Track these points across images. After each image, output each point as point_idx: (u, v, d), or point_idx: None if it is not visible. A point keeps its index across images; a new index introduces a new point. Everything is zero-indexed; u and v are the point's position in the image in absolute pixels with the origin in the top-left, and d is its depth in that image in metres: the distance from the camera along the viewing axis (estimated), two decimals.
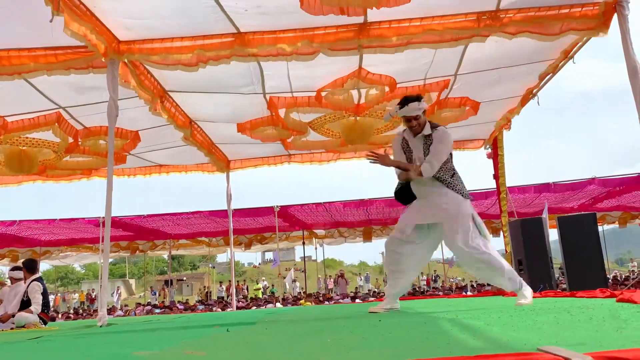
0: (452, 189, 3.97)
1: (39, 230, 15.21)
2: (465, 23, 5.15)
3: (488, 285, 19.38)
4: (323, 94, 6.77)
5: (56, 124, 7.01)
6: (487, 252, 3.92)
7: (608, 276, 10.79)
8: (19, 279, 7.04)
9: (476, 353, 1.35)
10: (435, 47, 5.44)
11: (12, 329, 6.49)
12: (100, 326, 4.92)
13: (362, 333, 2.44)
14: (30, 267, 7.03)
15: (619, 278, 19.60)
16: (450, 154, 4.08)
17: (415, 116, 3.97)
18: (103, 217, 6.04)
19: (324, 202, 13.96)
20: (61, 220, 14.25)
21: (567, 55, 6.06)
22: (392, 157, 4.18)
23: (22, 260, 8.60)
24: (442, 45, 5.33)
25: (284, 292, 24.71)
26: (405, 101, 3.99)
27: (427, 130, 4.01)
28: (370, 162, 4.07)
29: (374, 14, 5.02)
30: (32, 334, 4.71)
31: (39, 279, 6.94)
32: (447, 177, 3.99)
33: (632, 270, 29.23)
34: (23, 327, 6.49)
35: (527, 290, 4.03)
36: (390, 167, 4.11)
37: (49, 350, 2.77)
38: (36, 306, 6.64)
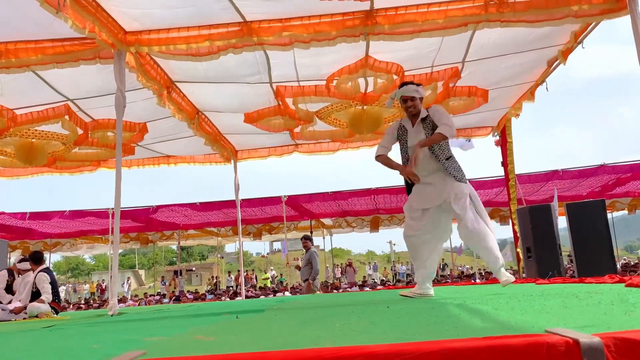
0: (449, 172, 4.13)
1: (49, 222, 15.36)
2: (473, 9, 5.10)
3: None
4: (333, 83, 6.74)
5: (66, 116, 7.05)
6: (484, 228, 4.09)
7: (617, 263, 10.74)
8: (26, 270, 7.14)
9: (484, 335, 1.35)
10: (442, 35, 5.40)
11: (24, 319, 6.59)
12: (112, 315, 4.99)
13: (370, 318, 2.45)
14: (36, 258, 7.11)
15: (628, 265, 19.48)
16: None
17: (411, 97, 4.21)
18: (112, 209, 6.08)
19: (331, 192, 13.98)
20: (71, 212, 14.39)
21: (576, 40, 5.99)
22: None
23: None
24: (449, 33, 5.29)
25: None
26: (404, 84, 4.34)
27: (423, 113, 4.26)
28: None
29: (380, 1, 4.99)
30: (44, 323, 4.78)
31: (46, 270, 7.03)
32: (443, 158, 4.16)
33: None
34: (36, 317, 6.58)
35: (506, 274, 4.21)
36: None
37: (62, 337, 2.82)
38: (47, 295, 6.73)
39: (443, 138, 4.10)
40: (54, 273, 7.53)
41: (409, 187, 4.37)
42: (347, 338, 1.77)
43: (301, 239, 9.74)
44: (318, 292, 9.63)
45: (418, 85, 4.29)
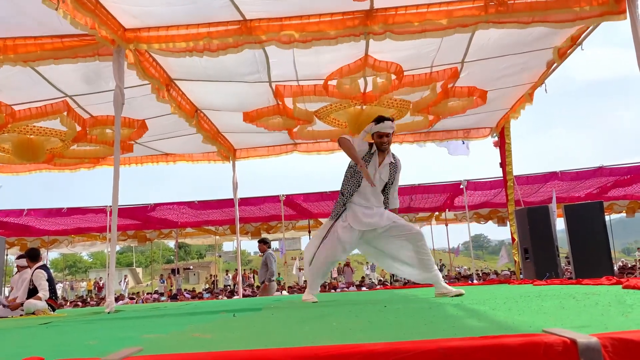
0: (384, 206, 4.67)
1: (47, 220, 15.32)
2: (473, 10, 5.10)
3: (494, 274, 19.30)
4: (332, 83, 6.73)
5: (65, 112, 7.04)
6: None
7: (614, 265, 10.76)
8: (25, 267, 7.13)
9: (482, 334, 1.35)
10: (442, 35, 5.40)
11: (21, 315, 6.58)
12: (108, 312, 4.98)
13: (368, 317, 2.45)
14: (33, 255, 7.11)
15: (625, 267, 19.51)
16: None
17: (387, 134, 4.50)
18: (110, 206, 6.06)
19: (329, 192, 13.96)
20: (69, 209, 14.35)
21: (576, 41, 5.99)
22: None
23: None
24: (449, 33, 5.29)
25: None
26: (381, 119, 4.53)
27: (390, 157, 4.61)
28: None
29: (380, 1, 4.99)
30: (41, 320, 4.77)
31: (43, 267, 7.02)
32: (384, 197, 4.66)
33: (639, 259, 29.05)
34: (32, 313, 6.57)
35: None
36: None
37: (59, 333, 2.81)
38: (43, 292, 6.71)
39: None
40: (51, 270, 7.51)
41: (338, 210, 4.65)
42: (345, 336, 1.77)
43: (258, 242, 9.96)
44: (275, 294, 9.68)
45: (392, 120, 4.56)
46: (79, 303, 19.39)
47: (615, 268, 11.24)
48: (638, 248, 34.74)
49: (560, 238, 8.09)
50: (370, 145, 4.57)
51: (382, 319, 2.32)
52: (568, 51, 6.21)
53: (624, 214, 17.86)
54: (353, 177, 4.57)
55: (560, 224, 8.89)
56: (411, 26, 5.14)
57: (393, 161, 4.61)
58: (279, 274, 32.41)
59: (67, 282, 36.09)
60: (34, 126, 7.52)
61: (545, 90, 7.35)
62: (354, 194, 4.56)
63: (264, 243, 9.75)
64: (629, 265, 21.62)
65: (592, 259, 7.11)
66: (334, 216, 4.64)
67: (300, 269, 27.61)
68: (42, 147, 8.00)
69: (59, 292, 21.33)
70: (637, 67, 4.73)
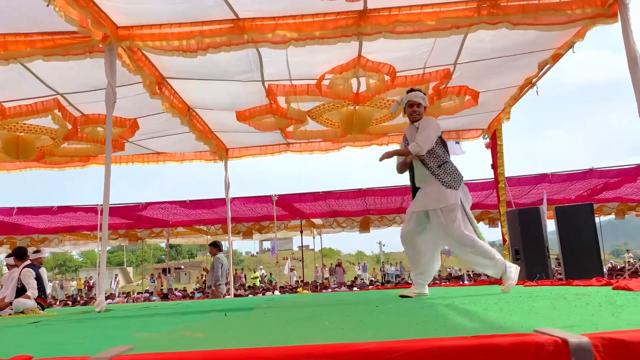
0: (438, 179, 4.22)
1: (37, 218, 15.18)
2: (466, 12, 5.12)
3: (485, 275, 19.52)
4: (325, 82, 6.73)
5: (56, 110, 6.98)
6: (472, 239, 4.10)
7: (604, 267, 10.84)
8: (14, 265, 7.07)
9: (473, 334, 1.35)
10: (434, 36, 5.42)
11: (10, 314, 6.51)
12: (99, 312, 4.95)
13: (360, 317, 2.45)
14: (20, 254, 7.05)
15: (614, 269, 19.67)
16: (443, 145, 4.39)
17: (417, 103, 4.41)
18: (101, 205, 6.01)
19: (322, 192, 13.96)
20: (59, 207, 14.24)
21: (568, 45, 6.03)
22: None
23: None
24: (441, 34, 5.31)
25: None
26: (412, 89, 4.55)
27: (419, 122, 4.48)
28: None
29: (373, 1, 4.99)
30: (30, 319, 4.73)
31: (31, 265, 6.95)
32: (434, 166, 4.26)
33: (628, 261, 29.33)
34: (21, 312, 6.51)
35: (512, 271, 4.16)
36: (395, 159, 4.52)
37: (50, 332, 2.79)
38: (32, 291, 6.64)
39: (407, 153, 4.26)
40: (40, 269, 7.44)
41: (413, 190, 4.53)
42: (338, 336, 1.77)
43: (209, 245, 10.02)
44: (225, 297, 9.63)
45: (424, 93, 4.53)
46: (69, 302, 19.24)
47: (604, 269, 11.31)
48: (627, 250, 35.07)
49: (550, 239, 8.14)
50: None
51: (375, 319, 2.32)
52: (560, 52, 6.26)
53: (613, 216, 18.01)
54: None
55: (550, 226, 8.95)
56: (404, 27, 5.16)
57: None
58: (270, 274, 32.42)
59: (57, 281, 35.82)
60: (24, 124, 7.45)
61: (537, 92, 7.40)
62: (414, 178, 4.45)
63: (214, 246, 9.85)
64: (618, 267, 21.80)
65: (582, 260, 7.17)
66: None
67: (291, 269, 27.53)
68: (32, 145, 7.93)
69: (48, 291, 21.16)
70: (628, 71, 4.78)
